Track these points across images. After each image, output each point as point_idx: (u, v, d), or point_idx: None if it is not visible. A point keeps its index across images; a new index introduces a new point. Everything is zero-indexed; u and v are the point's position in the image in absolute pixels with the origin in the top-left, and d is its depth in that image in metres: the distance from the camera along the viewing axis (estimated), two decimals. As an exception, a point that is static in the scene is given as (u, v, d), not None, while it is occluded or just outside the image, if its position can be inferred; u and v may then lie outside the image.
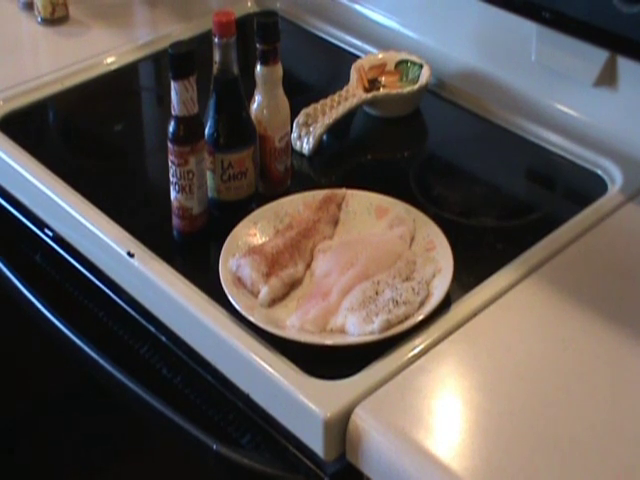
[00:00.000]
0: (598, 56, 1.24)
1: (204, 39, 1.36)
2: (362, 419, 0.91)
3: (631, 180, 1.19)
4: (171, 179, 1.09)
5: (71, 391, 1.47)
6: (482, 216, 1.20)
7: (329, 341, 0.98)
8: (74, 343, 1.18)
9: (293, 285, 1.05)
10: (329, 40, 1.52)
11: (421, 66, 1.35)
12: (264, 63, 1.13)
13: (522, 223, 1.18)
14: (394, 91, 1.33)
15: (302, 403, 0.92)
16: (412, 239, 1.09)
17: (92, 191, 1.19)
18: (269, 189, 1.17)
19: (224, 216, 1.14)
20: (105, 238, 1.13)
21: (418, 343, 0.97)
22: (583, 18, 1.18)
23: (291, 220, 1.11)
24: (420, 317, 0.98)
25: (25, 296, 1.26)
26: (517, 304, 1.03)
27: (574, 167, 1.25)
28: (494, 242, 1.13)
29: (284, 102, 1.16)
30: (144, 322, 1.12)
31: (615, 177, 1.20)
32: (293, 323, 0.99)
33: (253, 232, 1.10)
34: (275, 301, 1.03)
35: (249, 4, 1.60)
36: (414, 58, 1.37)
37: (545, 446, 0.87)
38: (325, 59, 1.53)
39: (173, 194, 1.10)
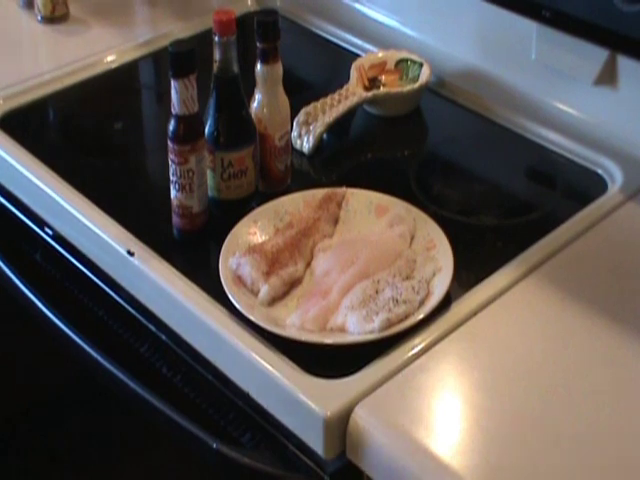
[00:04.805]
0: (598, 55, 1.24)
1: (204, 38, 1.35)
2: (362, 418, 0.90)
3: (631, 179, 1.19)
4: (171, 178, 1.09)
5: (71, 390, 1.47)
6: (482, 215, 1.19)
7: (329, 340, 0.98)
8: (74, 342, 1.18)
9: (293, 284, 1.05)
10: (329, 39, 1.52)
11: (421, 65, 1.35)
12: (264, 62, 1.13)
13: (522, 222, 1.18)
14: (394, 90, 1.33)
15: (302, 402, 0.92)
16: (412, 238, 1.09)
17: (92, 189, 1.19)
18: (269, 188, 1.17)
19: (224, 215, 1.14)
20: (105, 237, 1.13)
21: (418, 342, 0.97)
22: (583, 17, 1.18)
23: (291, 219, 1.11)
24: (420, 316, 0.98)
25: (25, 295, 1.26)
26: (517, 303, 1.03)
27: (574, 166, 1.25)
28: (494, 241, 1.13)
29: (284, 101, 1.16)
30: (144, 321, 1.12)
31: (615, 176, 1.20)
32: (293, 322, 0.99)
33: (253, 231, 1.10)
34: (275, 300, 1.03)
35: (249, 3, 1.60)
36: (414, 57, 1.37)
37: (545, 444, 0.87)
38: (325, 58, 1.53)
39: (173, 193, 1.10)
